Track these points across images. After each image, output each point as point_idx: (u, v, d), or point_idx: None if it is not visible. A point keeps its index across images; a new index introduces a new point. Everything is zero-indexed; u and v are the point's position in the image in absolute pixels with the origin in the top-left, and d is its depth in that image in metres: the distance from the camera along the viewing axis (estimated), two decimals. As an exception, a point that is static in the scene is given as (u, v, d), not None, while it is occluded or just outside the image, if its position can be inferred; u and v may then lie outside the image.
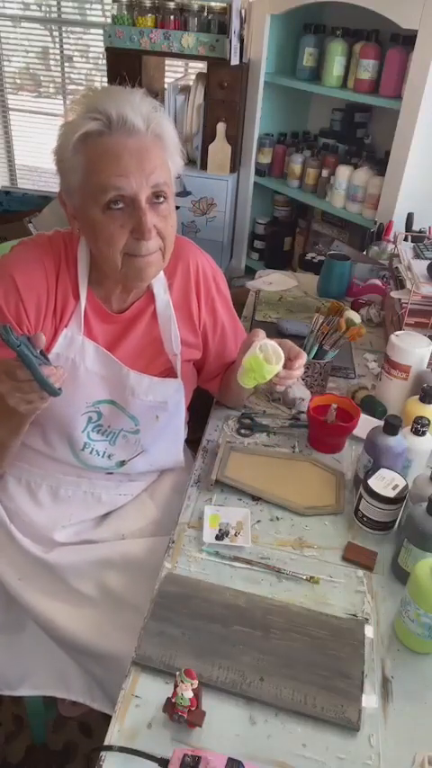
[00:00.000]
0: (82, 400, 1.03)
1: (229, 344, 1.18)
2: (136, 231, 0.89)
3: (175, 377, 1.09)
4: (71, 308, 1.00)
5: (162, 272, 1.05)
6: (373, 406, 1.27)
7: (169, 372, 1.09)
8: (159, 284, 1.06)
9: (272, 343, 1.00)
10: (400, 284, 1.51)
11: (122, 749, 0.69)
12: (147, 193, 0.88)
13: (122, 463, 1.10)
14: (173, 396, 1.09)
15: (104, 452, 1.08)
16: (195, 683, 0.68)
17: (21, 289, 0.95)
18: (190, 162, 2.74)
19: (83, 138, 0.87)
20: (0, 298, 0.95)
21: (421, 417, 1.04)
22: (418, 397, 1.14)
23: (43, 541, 1.09)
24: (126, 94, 0.89)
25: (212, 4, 2.53)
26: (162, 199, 0.91)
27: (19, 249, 1.00)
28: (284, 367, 1.01)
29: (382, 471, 0.98)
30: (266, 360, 0.98)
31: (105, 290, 1.02)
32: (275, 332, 1.54)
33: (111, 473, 1.12)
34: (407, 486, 0.97)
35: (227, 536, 0.97)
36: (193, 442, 1.22)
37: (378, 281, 1.77)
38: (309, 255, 2.22)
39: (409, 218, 1.98)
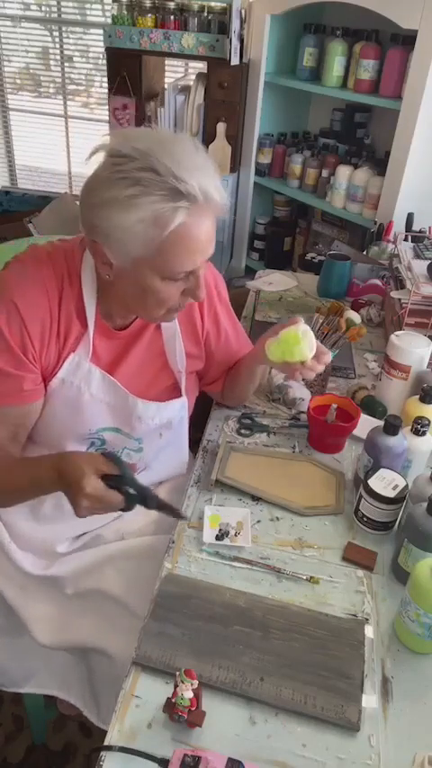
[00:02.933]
0: (85, 428, 1.02)
1: (232, 348, 1.18)
2: (189, 293, 0.91)
3: (179, 394, 1.08)
4: (76, 330, 0.96)
5: None
6: (373, 406, 1.27)
7: (173, 388, 1.08)
8: None
9: (312, 333, 1.02)
10: (400, 284, 1.51)
11: (122, 749, 0.69)
12: (204, 262, 0.90)
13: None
14: (177, 413, 1.09)
15: None
16: (195, 683, 0.68)
17: (24, 315, 0.90)
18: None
19: (166, 223, 0.80)
20: (3, 326, 0.90)
21: (421, 417, 1.04)
22: (418, 397, 1.14)
23: (44, 555, 1.08)
24: (205, 165, 0.83)
25: (212, 4, 2.53)
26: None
27: (16, 268, 0.94)
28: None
29: (382, 471, 0.98)
30: (303, 341, 1.00)
31: (108, 307, 0.98)
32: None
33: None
34: (407, 486, 0.97)
35: (227, 536, 0.97)
36: (192, 442, 1.22)
37: (378, 281, 1.77)
38: (309, 255, 2.22)
39: (409, 218, 1.98)
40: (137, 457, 1.09)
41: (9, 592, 1.06)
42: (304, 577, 0.92)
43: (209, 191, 0.81)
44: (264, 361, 1.08)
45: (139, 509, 1.10)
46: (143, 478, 1.09)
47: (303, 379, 1.29)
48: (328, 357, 1.05)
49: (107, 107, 2.83)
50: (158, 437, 1.09)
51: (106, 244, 0.85)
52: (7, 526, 1.09)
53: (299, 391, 1.27)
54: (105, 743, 0.70)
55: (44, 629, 1.05)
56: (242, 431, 1.22)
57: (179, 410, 1.09)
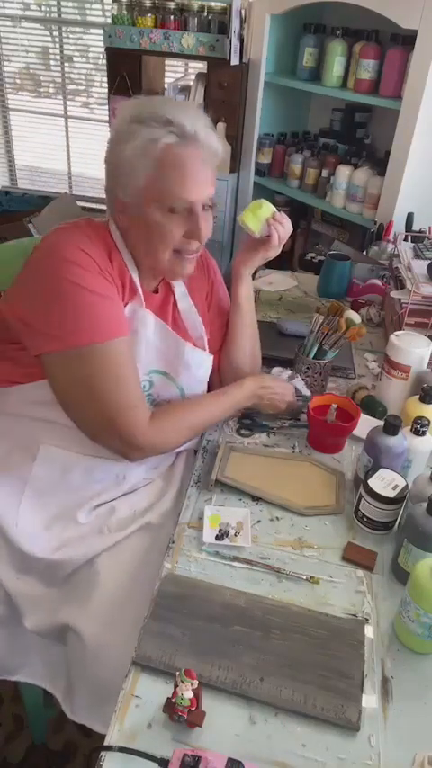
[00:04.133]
0: (142, 368, 1.06)
1: (224, 311, 1.27)
2: (190, 233, 1.00)
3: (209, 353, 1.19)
4: (128, 282, 1.05)
5: None
6: (373, 406, 1.27)
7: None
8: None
9: None
10: (400, 284, 1.51)
11: (122, 749, 0.69)
12: (203, 202, 0.99)
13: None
14: (207, 372, 1.19)
15: None
16: (195, 683, 0.68)
17: (97, 261, 0.97)
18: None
19: (157, 145, 0.94)
20: (91, 269, 0.96)
21: (421, 417, 1.04)
22: (418, 397, 1.14)
23: (59, 531, 1.07)
24: (191, 108, 1.00)
25: (212, 4, 2.53)
26: (208, 207, 1.01)
27: (66, 231, 1.00)
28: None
29: (382, 471, 0.99)
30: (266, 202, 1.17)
31: (140, 271, 1.07)
32: (275, 332, 1.53)
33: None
34: (407, 486, 0.97)
35: (227, 536, 0.97)
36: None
37: (378, 281, 1.77)
38: (309, 255, 2.22)
39: (409, 218, 1.98)
40: None
41: (7, 577, 1.06)
42: (304, 577, 0.92)
43: (198, 129, 0.95)
44: (244, 261, 1.22)
45: (150, 493, 1.16)
46: None
47: (304, 379, 1.29)
48: (287, 218, 1.19)
49: (107, 107, 2.83)
50: (198, 393, 1.18)
51: (119, 184, 0.98)
52: (25, 505, 1.07)
53: (302, 387, 1.27)
54: (105, 743, 0.70)
55: (33, 613, 1.05)
56: (242, 431, 1.22)
57: (208, 367, 1.19)
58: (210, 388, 1.22)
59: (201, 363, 1.16)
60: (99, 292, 0.96)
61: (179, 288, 1.16)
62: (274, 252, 1.20)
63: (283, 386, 1.22)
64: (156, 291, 1.13)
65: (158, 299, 1.13)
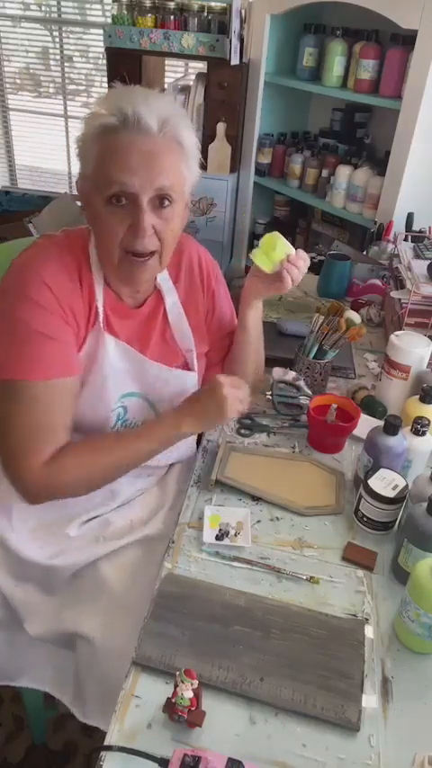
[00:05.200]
0: (111, 396, 1.04)
1: (227, 321, 1.22)
2: (132, 227, 0.91)
3: (192, 370, 1.12)
4: (93, 307, 1.00)
5: (167, 272, 1.08)
6: (373, 406, 1.27)
7: (185, 367, 1.12)
8: (166, 285, 1.08)
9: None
10: (400, 284, 1.51)
11: (122, 749, 0.69)
12: (150, 195, 0.90)
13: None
14: (189, 389, 1.11)
15: None
16: (195, 683, 0.68)
17: (57, 294, 0.94)
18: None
19: (99, 131, 0.89)
20: (44, 304, 0.93)
21: (421, 417, 1.04)
22: (418, 397, 1.14)
23: (53, 542, 1.07)
24: (146, 95, 0.90)
25: (212, 4, 2.53)
26: (167, 203, 0.92)
27: (39, 253, 0.98)
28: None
29: (382, 471, 0.99)
30: (279, 240, 1.08)
31: (115, 285, 1.02)
32: (275, 332, 1.53)
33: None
34: (407, 486, 0.97)
35: (227, 536, 0.97)
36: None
37: (378, 281, 1.77)
38: (309, 255, 2.22)
39: (409, 218, 1.98)
40: None
41: (6, 582, 1.06)
42: (304, 577, 0.92)
43: (140, 112, 0.87)
44: (254, 293, 1.15)
45: (145, 502, 1.13)
46: (158, 456, 1.11)
47: (304, 379, 1.29)
48: (303, 252, 1.11)
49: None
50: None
51: (80, 173, 0.95)
52: (16, 511, 1.08)
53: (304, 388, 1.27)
54: (105, 743, 0.70)
55: (35, 620, 1.05)
56: (242, 431, 1.22)
57: (191, 387, 1.12)
58: None
59: (168, 381, 1.09)
60: (49, 334, 0.93)
61: (170, 297, 1.09)
62: (286, 290, 1.12)
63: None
64: (140, 305, 1.07)
65: (143, 313, 1.07)
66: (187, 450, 1.21)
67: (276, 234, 1.10)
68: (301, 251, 1.11)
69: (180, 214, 0.97)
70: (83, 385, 1.02)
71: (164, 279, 1.08)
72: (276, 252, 1.08)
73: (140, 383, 1.07)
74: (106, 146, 0.89)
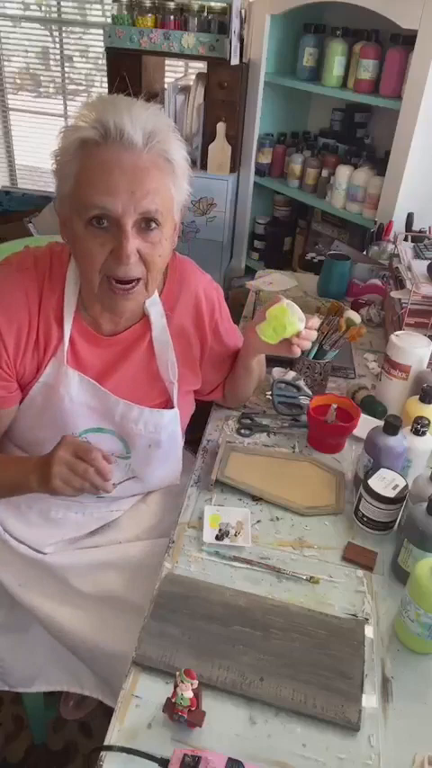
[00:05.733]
0: (69, 431, 0.99)
1: (230, 351, 1.16)
2: (115, 253, 0.84)
3: (172, 407, 1.05)
4: (56, 336, 0.95)
5: (157, 296, 1.01)
6: (373, 406, 1.27)
7: (167, 403, 1.05)
8: (155, 309, 1.01)
9: (296, 305, 1.00)
10: (400, 284, 1.51)
11: (122, 749, 0.69)
12: (134, 218, 0.82)
13: (113, 486, 0.97)
14: (166, 426, 1.04)
15: None
16: (195, 683, 0.68)
17: (0, 323, 0.91)
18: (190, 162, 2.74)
19: (79, 145, 0.81)
20: None
21: (421, 417, 1.04)
22: (418, 397, 1.14)
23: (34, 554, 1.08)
24: (129, 106, 0.82)
25: (212, 4, 2.53)
26: (154, 225, 0.84)
27: (1, 275, 0.94)
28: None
29: (382, 471, 0.98)
30: (290, 313, 0.99)
31: (94, 311, 0.97)
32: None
33: (101, 496, 1.06)
34: (407, 486, 0.97)
35: (227, 536, 0.97)
36: (193, 442, 1.22)
37: (378, 281, 1.77)
38: (309, 255, 2.22)
39: (409, 218, 1.98)
40: (124, 463, 1.06)
41: (10, 582, 1.07)
42: (304, 577, 0.92)
43: (123, 125, 0.79)
44: (258, 349, 1.09)
45: (132, 521, 1.11)
46: (133, 487, 1.09)
47: (303, 379, 1.29)
48: (316, 321, 1.05)
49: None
50: (147, 448, 1.05)
51: (57, 193, 0.87)
52: (16, 507, 1.08)
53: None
54: (105, 743, 0.70)
55: (48, 623, 1.05)
56: (242, 431, 1.22)
57: (168, 423, 1.04)
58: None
59: (140, 419, 1.01)
60: None
61: (158, 323, 1.01)
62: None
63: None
64: (119, 333, 1.00)
65: (121, 341, 1.00)
66: (168, 481, 1.15)
67: (285, 307, 0.99)
68: (313, 321, 1.03)
69: (169, 237, 0.89)
70: (43, 411, 0.98)
71: (153, 303, 1.00)
72: (287, 331, 0.99)
73: (108, 420, 1.01)
74: (86, 162, 0.81)
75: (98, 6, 3.32)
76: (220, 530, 0.98)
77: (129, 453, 1.05)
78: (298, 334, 1.00)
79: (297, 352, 1.04)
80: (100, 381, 0.99)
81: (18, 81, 3.73)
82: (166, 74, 3.05)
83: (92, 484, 0.86)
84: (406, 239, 1.69)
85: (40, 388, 0.97)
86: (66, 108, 3.67)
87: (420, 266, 1.48)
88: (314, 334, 1.04)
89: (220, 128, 2.64)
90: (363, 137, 2.58)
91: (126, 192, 0.80)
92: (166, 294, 1.02)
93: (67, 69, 3.58)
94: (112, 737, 0.71)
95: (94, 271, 0.86)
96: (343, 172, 2.42)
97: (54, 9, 3.42)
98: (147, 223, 0.84)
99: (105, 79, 2.80)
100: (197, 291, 1.06)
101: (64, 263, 0.96)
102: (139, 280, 0.88)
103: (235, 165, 2.75)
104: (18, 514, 1.09)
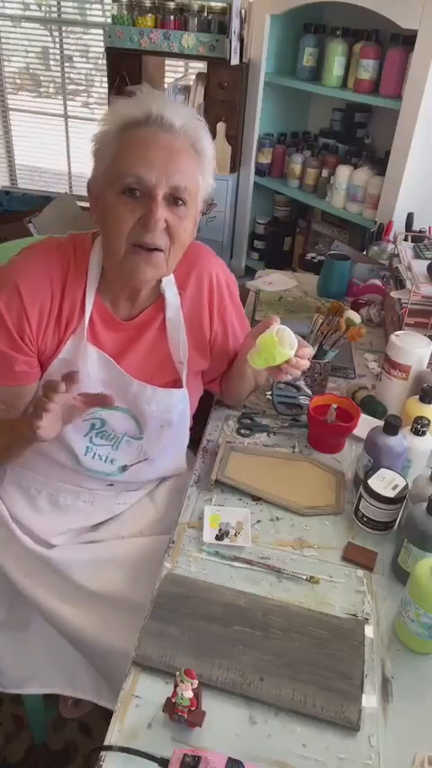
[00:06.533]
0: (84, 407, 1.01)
1: (234, 347, 1.17)
2: (144, 219, 0.89)
3: (181, 386, 1.07)
4: (78, 316, 0.99)
5: (173, 277, 1.04)
6: (373, 406, 1.27)
7: (175, 383, 1.08)
8: (170, 290, 1.05)
9: (288, 330, 0.99)
10: (400, 284, 1.51)
11: (122, 749, 0.68)
12: (164, 190, 0.88)
13: (124, 468, 1.09)
14: (176, 405, 1.07)
15: (107, 457, 1.08)
16: (195, 683, 0.68)
17: (24, 298, 0.95)
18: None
19: (121, 126, 0.89)
20: (3, 305, 0.95)
21: (421, 417, 1.04)
22: (418, 397, 1.14)
23: (42, 544, 1.09)
24: (171, 101, 0.94)
25: (212, 4, 2.53)
26: (181, 202, 0.91)
27: (26, 255, 1.00)
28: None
29: (382, 471, 0.98)
30: (280, 343, 0.98)
31: (113, 295, 1.02)
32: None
33: (111, 484, 1.11)
34: (407, 486, 0.97)
35: (227, 536, 0.97)
36: (192, 442, 1.22)
37: (378, 281, 1.77)
38: (309, 255, 2.22)
39: (409, 218, 1.98)
40: (137, 444, 1.08)
41: (16, 574, 1.07)
42: (304, 577, 0.92)
43: (167, 114, 0.88)
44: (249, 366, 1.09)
45: (136, 516, 1.13)
46: (145, 471, 1.12)
47: (303, 379, 1.29)
48: (310, 351, 1.04)
49: (107, 107, 2.83)
50: (159, 428, 1.07)
51: (92, 175, 0.94)
52: (8, 510, 1.10)
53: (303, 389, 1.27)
54: (105, 743, 0.70)
55: (52, 616, 1.05)
56: (242, 431, 1.22)
57: (178, 402, 1.07)
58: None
59: (152, 399, 1.04)
60: None
61: (172, 304, 1.05)
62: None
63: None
64: (134, 317, 1.04)
65: (134, 325, 1.04)
66: (175, 467, 1.18)
67: (275, 339, 0.98)
68: (305, 351, 1.02)
69: (193, 217, 0.95)
70: None
71: (169, 283, 1.04)
72: (276, 361, 0.99)
73: (122, 398, 1.03)
74: (125, 140, 0.89)
75: (98, 6, 3.32)
76: (220, 530, 0.98)
77: (141, 434, 1.08)
78: (288, 361, 1.00)
79: (285, 378, 1.04)
80: (117, 362, 1.03)
81: (18, 81, 3.73)
82: (166, 74, 3.05)
83: (50, 401, 0.84)
84: (406, 239, 1.69)
85: (59, 364, 1.00)
86: (66, 108, 3.67)
87: (420, 266, 1.49)
88: (305, 364, 1.02)
89: (220, 128, 2.64)
90: (363, 137, 2.58)
91: (161, 166, 0.87)
92: (177, 273, 1.05)
93: (67, 69, 3.58)
94: (112, 737, 0.71)
95: (122, 236, 0.91)
96: (343, 172, 2.42)
97: (54, 9, 3.42)
98: (175, 200, 0.90)
99: (105, 79, 2.80)
100: (210, 272, 1.09)
101: (87, 249, 1.00)
102: (161, 251, 0.93)
103: (235, 165, 2.75)
104: (28, 500, 1.11)
